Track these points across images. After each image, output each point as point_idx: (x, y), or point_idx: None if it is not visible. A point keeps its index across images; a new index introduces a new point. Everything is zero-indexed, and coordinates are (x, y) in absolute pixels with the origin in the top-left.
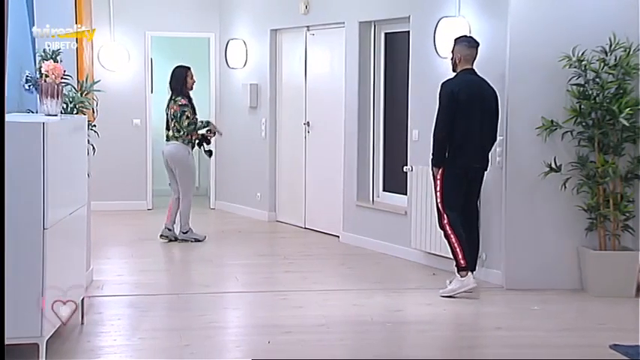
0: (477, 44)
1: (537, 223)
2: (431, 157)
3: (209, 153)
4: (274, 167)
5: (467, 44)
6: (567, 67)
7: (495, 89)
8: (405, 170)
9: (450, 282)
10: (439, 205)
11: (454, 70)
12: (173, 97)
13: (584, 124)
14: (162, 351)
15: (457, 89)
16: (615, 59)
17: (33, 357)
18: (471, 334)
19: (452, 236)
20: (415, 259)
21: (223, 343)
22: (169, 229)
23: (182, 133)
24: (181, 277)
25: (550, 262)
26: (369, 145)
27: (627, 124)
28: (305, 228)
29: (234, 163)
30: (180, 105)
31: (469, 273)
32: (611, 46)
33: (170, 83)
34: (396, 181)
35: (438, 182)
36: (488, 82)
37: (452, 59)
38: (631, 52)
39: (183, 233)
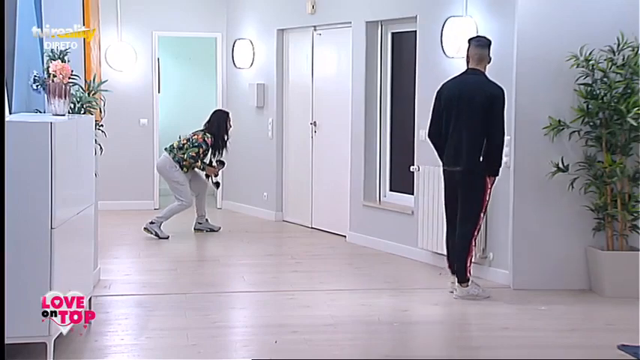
0: (483, 43)
1: (545, 223)
2: None
3: (216, 184)
4: (281, 167)
5: (473, 44)
6: (575, 66)
7: (499, 88)
8: (411, 170)
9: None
10: None
11: None
12: (205, 130)
13: (591, 123)
14: (169, 350)
15: (441, 89)
16: (623, 59)
17: (41, 356)
18: (478, 334)
19: (445, 247)
20: (422, 259)
21: (230, 343)
22: (200, 222)
23: (182, 155)
24: (188, 276)
25: (557, 263)
26: (376, 144)
27: (635, 124)
28: (312, 228)
29: (241, 162)
30: (204, 139)
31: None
32: (618, 45)
33: (208, 122)
34: (402, 180)
35: None
36: (487, 80)
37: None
38: (639, 52)
39: (150, 223)
